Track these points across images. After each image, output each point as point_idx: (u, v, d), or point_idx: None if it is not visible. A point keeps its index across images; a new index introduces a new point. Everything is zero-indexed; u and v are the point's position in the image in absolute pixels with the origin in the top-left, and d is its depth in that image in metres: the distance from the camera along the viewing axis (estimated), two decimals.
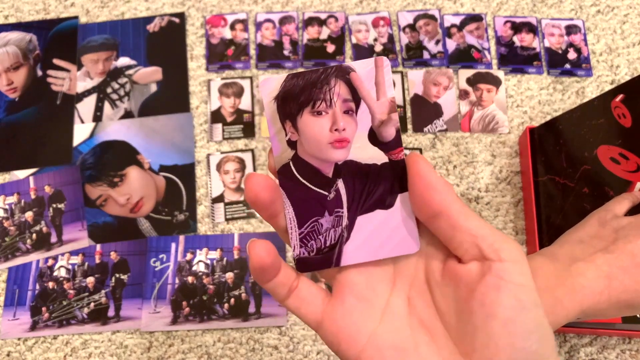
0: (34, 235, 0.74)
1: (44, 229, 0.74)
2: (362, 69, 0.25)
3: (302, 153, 0.26)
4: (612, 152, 0.56)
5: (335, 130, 0.25)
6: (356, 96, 0.25)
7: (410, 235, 0.26)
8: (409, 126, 0.78)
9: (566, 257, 0.44)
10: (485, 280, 0.23)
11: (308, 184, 0.26)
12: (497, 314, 0.22)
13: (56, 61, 0.82)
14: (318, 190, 0.26)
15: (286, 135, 0.26)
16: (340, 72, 0.25)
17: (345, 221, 0.26)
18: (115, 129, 0.78)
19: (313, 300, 0.27)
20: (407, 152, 0.27)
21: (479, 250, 0.23)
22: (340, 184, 0.26)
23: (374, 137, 0.26)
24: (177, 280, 0.71)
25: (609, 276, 0.42)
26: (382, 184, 0.26)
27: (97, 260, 0.72)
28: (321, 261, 0.26)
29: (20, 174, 0.76)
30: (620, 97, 0.55)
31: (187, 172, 0.76)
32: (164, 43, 0.83)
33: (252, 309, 0.69)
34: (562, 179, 0.64)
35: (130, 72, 0.81)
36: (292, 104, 0.25)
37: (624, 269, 0.43)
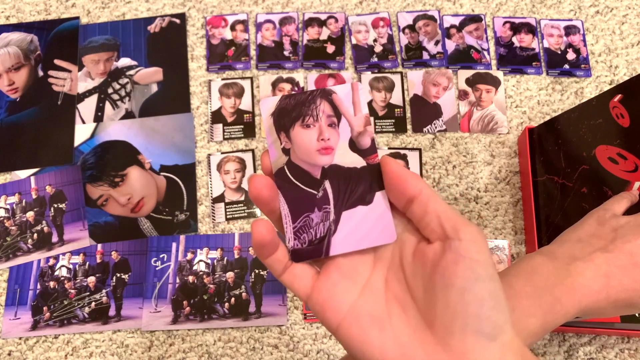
0: (35, 235, 0.74)
1: (45, 229, 0.74)
2: (342, 92, 0.32)
3: (295, 159, 0.31)
4: (611, 152, 0.57)
5: (321, 139, 0.31)
6: (337, 113, 0.32)
7: (388, 227, 0.30)
8: (409, 126, 0.78)
9: (565, 256, 0.44)
10: (445, 256, 0.26)
11: (300, 185, 0.31)
12: (454, 284, 0.26)
13: (57, 62, 0.83)
14: (308, 189, 0.31)
15: (281, 144, 0.31)
16: (324, 94, 0.32)
17: (332, 216, 0.31)
18: (116, 129, 0.79)
19: (304, 276, 0.30)
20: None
21: (442, 230, 0.27)
22: (327, 184, 0.31)
23: (353, 145, 0.31)
24: (177, 280, 0.71)
25: (607, 275, 0.42)
26: (362, 183, 0.31)
27: (98, 260, 0.73)
28: (312, 252, 0.31)
29: (22, 174, 0.77)
30: (618, 97, 0.56)
31: (187, 172, 0.76)
32: (164, 44, 0.83)
33: (252, 308, 0.70)
34: (560, 179, 0.65)
35: (131, 72, 0.82)
36: (286, 118, 0.31)
37: (622, 268, 0.43)
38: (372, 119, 0.78)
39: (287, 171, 0.31)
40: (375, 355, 0.27)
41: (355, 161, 0.31)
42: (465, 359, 0.25)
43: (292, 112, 0.32)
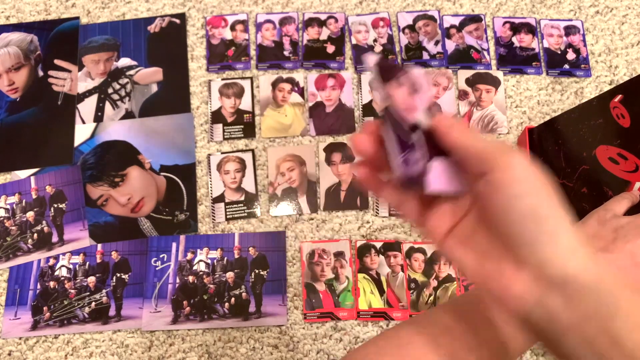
0: (35, 235, 0.74)
1: (45, 229, 0.74)
2: (416, 73, 0.34)
3: (391, 107, 0.34)
4: (611, 152, 0.57)
5: (407, 98, 0.33)
6: (415, 86, 0.34)
7: (461, 177, 0.32)
8: None
9: None
10: (486, 189, 0.28)
11: (400, 130, 0.34)
12: (497, 211, 0.28)
13: (57, 62, 0.83)
14: (409, 133, 0.34)
15: (385, 89, 0.34)
16: (404, 70, 0.34)
17: (427, 157, 0.33)
18: (116, 129, 0.79)
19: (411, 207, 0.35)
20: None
21: (475, 168, 0.29)
22: (414, 135, 0.33)
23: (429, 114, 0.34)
24: (177, 280, 0.71)
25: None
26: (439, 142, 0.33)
27: (98, 260, 0.73)
28: (414, 181, 0.34)
29: (22, 174, 0.77)
30: (619, 97, 0.56)
31: (187, 172, 0.76)
32: (164, 44, 0.83)
33: (252, 308, 0.70)
34: (561, 179, 0.65)
35: (131, 72, 0.82)
36: (386, 73, 0.34)
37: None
38: (372, 119, 0.78)
39: (391, 110, 0.34)
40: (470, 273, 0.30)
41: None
42: (540, 272, 0.27)
43: (389, 71, 0.35)
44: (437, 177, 0.33)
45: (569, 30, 0.83)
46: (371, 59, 0.36)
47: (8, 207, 0.75)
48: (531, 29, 0.83)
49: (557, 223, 0.27)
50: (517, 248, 0.27)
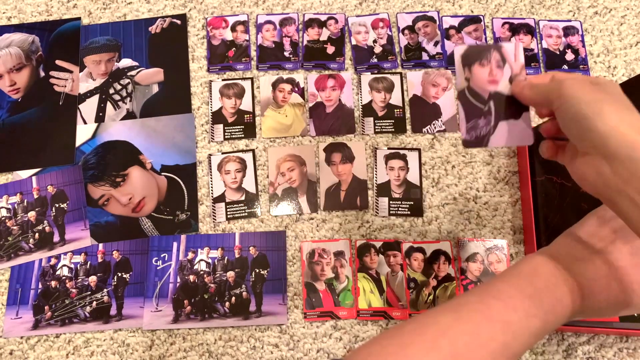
0: (37, 235, 0.74)
1: (47, 229, 0.75)
2: (509, 47, 0.50)
3: (472, 85, 0.50)
4: None
5: (490, 74, 0.49)
6: (504, 59, 0.49)
7: (528, 134, 0.48)
8: (408, 127, 0.79)
9: (566, 256, 0.44)
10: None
11: (473, 101, 0.50)
12: (562, 121, 0.41)
13: (59, 62, 0.83)
14: (479, 104, 0.49)
15: (464, 74, 0.50)
16: (497, 47, 0.50)
17: (492, 122, 0.48)
18: (117, 130, 0.79)
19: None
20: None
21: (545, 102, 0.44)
22: (491, 103, 0.49)
23: (511, 81, 0.49)
24: (178, 279, 0.71)
25: (607, 277, 0.43)
26: (515, 105, 0.48)
27: (100, 259, 0.73)
28: (476, 143, 0.49)
29: (23, 174, 0.77)
30: None
31: (188, 172, 0.77)
32: (165, 44, 0.83)
33: (252, 307, 0.70)
34: (559, 179, 0.65)
35: (132, 73, 0.82)
36: (470, 59, 0.50)
37: (622, 269, 0.43)
38: (371, 119, 0.79)
39: (466, 92, 0.50)
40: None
41: (512, 91, 0.49)
42: (592, 154, 0.39)
43: (474, 56, 0.51)
44: (499, 137, 0.49)
45: (568, 30, 0.83)
46: (459, 50, 0.51)
47: (10, 206, 0.76)
48: (530, 30, 0.84)
49: (593, 119, 0.37)
50: (578, 143, 0.40)
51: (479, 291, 0.43)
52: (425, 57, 0.82)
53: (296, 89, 0.81)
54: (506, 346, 0.39)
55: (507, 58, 0.51)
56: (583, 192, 0.61)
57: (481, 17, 0.84)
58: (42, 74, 0.82)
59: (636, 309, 0.45)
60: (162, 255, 0.73)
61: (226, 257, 0.72)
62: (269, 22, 0.85)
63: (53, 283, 0.72)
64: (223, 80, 0.82)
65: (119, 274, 0.72)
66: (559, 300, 0.42)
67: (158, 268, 0.72)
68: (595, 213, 0.49)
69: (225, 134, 0.79)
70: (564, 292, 0.42)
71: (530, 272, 0.43)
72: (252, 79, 0.82)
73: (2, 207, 0.76)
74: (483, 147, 0.54)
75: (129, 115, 0.80)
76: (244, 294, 0.71)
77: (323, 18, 0.85)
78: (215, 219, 0.75)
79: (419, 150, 0.77)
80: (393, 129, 0.78)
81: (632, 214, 0.37)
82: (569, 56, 0.82)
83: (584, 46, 0.82)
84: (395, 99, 0.80)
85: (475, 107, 0.51)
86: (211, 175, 0.77)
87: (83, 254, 0.73)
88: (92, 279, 0.72)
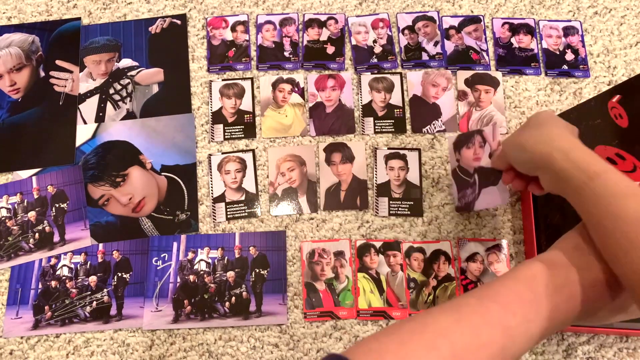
0: (37, 235, 0.74)
1: (47, 229, 0.75)
2: (488, 130, 0.64)
3: (462, 163, 0.67)
4: (609, 152, 0.57)
5: (475, 154, 0.65)
6: (484, 140, 0.64)
7: (505, 197, 0.63)
8: (408, 127, 0.79)
9: (564, 263, 0.44)
10: None
11: (463, 176, 0.67)
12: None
13: (59, 62, 0.83)
14: (467, 178, 0.66)
15: (455, 157, 0.68)
16: (478, 132, 0.65)
17: (477, 190, 0.65)
18: (117, 130, 0.79)
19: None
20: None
21: None
22: (476, 176, 0.65)
23: (490, 157, 0.64)
24: (178, 279, 0.72)
25: (604, 283, 0.43)
26: (494, 174, 0.62)
27: (100, 259, 0.73)
28: (465, 208, 0.69)
29: (23, 174, 0.77)
30: (617, 97, 0.56)
31: (188, 172, 0.77)
32: (165, 44, 0.84)
33: (252, 307, 0.70)
34: None
35: (132, 73, 0.82)
36: (459, 144, 0.68)
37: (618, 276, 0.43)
38: (371, 119, 0.79)
39: (457, 170, 0.68)
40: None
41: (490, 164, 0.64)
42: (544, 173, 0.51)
43: (463, 141, 0.68)
44: (482, 201, 0.65)
45: (568, 31, 0.83)
46: (451, 138, 0.69)
47: (10, 206, 0.76)
48: (530, 30, 0.84)
49: (522, 152, 0.53)
50: (527, 172, 0.54)
51: (479, 293, 0.43)
52: (425, 57, 0.82)
53: (296, 89, 0.81)
54: (504, 350, 0.39)
55: (487, 139, 0.64)
56: None
57: (481, 17, 0.84)
58: (42, 74, 0.82)
59: (633, 314, 0.46)
60: (162, 255, 0.73)
61: (226, 257, 0.72)
62: (269, 22, 0.85)
63: (53, 283, 0.72)
64: (223, 80, 0.82)
65: (119, 274, 0.72)
66: (556, 307, 0.42)
67: (158, 268, 0.72)
68: None
69: (225, 134, 0.79)
70: (561, 299, 0.42)
71: (530, 278, 0.43)
72: (252, 79, 0.82)
73: (2, 207, 0.76)
74: (470, 211, 0.69)
75: (129, 115, 0.80)
76: (244, 294, 0.71)
77: (323, 18, 0.85)
78: (215, 219, 0.75)
79: (419, 150, 0.77)
80: (393, 129, 0.78)
81: (576, 207, 0.46)
82: (569, 56, 0.82)
83: (583, 46, 0.82)
84: (395, 99, 0.80)
85: (465, 180, 0.67)
86: (211, 175, 0.77)
87: (83, 254, 0.73)
88: (92, 279, 0.72)
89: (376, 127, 0.79)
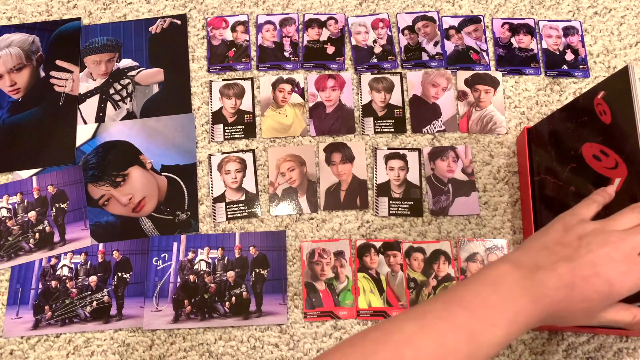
0: (37, 235, 0.74)
1: (47, 229, 0.75)
2: (461, 148, 0.76)
3: (436, 173, 0.75)
4: (595, 150, 0.56)
5: (448, 166, 0.76)
6: (457, 155, 0.77)
7: (475, 207, 0.72)
8: (408, 127, 0.79)
9: (530, 264, 0.44)
10: None
11: (437, 184, 0.75)
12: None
13: (59, 62, 0.83)
14: (441, 186, 0.73)
15: (430, 166, 0.76)
16: (452, 148, 0.78)
17: (451, 198, 0.72)
18: (117, 130, 0.79)
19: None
20: None
21: None
22: (450, 185, 0.73)
23: (463, 172, 0.76)
24: (178, 279, 0.72)
25: (569, 286, 0.43)
26: (467, 186, 0.73)
27: (100, 259, 0.73)
28: (440, 212, 0.72)
29: (24, 174, 0.77)
30: (601, 94, 0.55)
31: (188, 172, 0.77)
32: (165, 45, 0.84)
33: (253, 307, 0.70)
34: (552, 178, 0.65)
35: (133, 73, 0.82)
36: (434, 156, 0.77)
37: (584, 279, 0.43)
38: (371, 119, 0.79)
39: (432, 177, 0.73)
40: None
41: (464, 176, 0.73)
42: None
43: (437, 154, 0.75)
44: (456, 208, 0.72)
45: (568, 31, 0.83)
46: (427, 149, 0.75)
47: (10, 206, 0.76)
48: (530, 30, 0.84)
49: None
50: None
51: (444, 298, 0.43)
52: (425, 57, 0.82)
53: (296, 89, 0.81)
54: (470, 356, 0.39)
55: (460, 156, 0.74)
56: (572, 191, 0.61)
57: (481, 17, 0.85)
58: (43, 74, 0.83)
59: (597, 319, 0.45)
60: (162, 255, 0.73)
61: (226, 257, 0.72)
62: (269, 22, 0.85)
63: (53, 283, 0.72)
64: (223, 80, 0.82)
65: (119, 274, 0.72)
66: (522, 309, 0.42)
67: (158, 268, 0.72)
68: (561, 219, 0.48)
69: (225, 134, 0.79)
70: (526, 302, 0.42)
71: (495, 280, 0.43)
72: (252, 79, 0.82)
73: (2, 207, 0.76)
74: (444, 216, 0.73)
75: (129, 115, 0.80)
76: (244, 293, 0.71)
77: (323, 18, 0.85)
78: (215, 219, 0.75)
79: (419, 150, 0.77)
80: (393, 129, 0.78)
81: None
82: (569, 56, 0.82)
83: (583, 46, 0.82)
84: (395, 99, 0.80)
85: (439, 187, 0.73)
86: (211, 175, 0.77)
87: (83, 253, 0.73)
88: (93, 279, 0.72)
89: (376, 127, 0.79)
